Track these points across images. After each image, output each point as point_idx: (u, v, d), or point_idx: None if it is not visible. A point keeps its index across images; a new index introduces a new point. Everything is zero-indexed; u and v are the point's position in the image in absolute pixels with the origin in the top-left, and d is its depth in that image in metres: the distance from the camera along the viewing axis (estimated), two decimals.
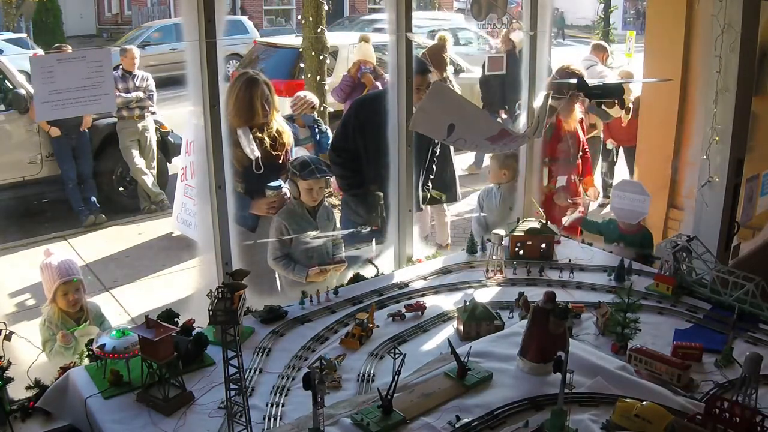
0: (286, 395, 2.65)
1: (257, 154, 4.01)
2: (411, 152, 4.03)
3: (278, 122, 4.27)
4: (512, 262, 3.87)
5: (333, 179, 4.94)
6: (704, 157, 4.31)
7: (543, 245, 3.96)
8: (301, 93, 6.77)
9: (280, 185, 4.09)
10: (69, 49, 8.14)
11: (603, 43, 9.37)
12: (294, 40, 10.86)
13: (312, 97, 6.48)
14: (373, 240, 4.24)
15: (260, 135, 4.11)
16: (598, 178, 6.22)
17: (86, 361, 2.87)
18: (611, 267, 3.77)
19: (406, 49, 3.82)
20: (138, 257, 7.21)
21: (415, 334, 3.16)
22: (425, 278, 3.75)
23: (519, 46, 7.10)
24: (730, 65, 4.10)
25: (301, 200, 3.96)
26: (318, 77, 8.73)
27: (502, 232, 3.83)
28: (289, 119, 5.69)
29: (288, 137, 4.31)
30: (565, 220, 4.82)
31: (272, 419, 2.51)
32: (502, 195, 4.98)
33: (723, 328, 3.08)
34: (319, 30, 8.62)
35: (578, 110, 5.35)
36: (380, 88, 6.94)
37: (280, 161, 4.21)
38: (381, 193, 4.27)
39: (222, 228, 3.33)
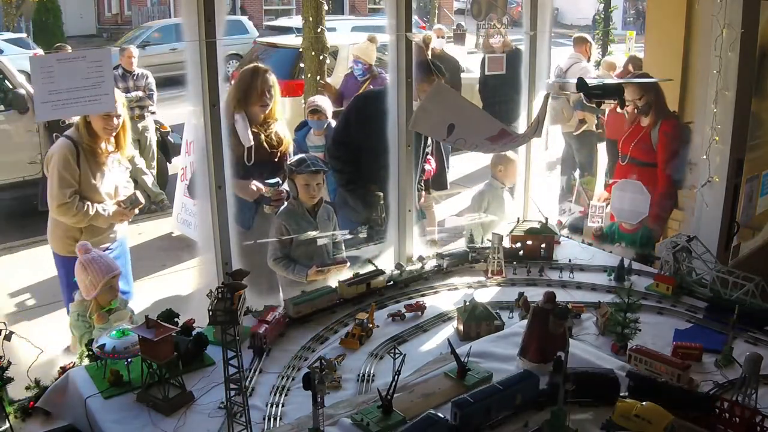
0: (286, 395, 2.66)
1: (251, 142, 4.05)
2: (411, 152, 4.03)
3: (280, 128, 4.32)
4: (512, 262, 3.87)
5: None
6: (704, 157, 4.31)
7: (543, 245, 3.96)
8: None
9: (277, 181, 4.10)
10: (69, 49, 8.14)
11: (583, 34, 9.35)
12: (294, 40, 10.86)
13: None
14: (372, 238, 4.25)
15: (256, 130, 4.14)
16: (600, 178, 6.17)
17: (86, 361, 2.87)
18: (611, 267, 3.77)
19: (406, 49, 3.82)
20: (138, 257, 7.18)
21: (415, 334, 3.16)
22: (425, 278, 3.74)
23: (500, 48, 7.09)
24: (730, 65, 4.10)
25: (301, 199, 3.96)
26: (318, 77, 8.72)
27: (502, 232, 3.83)
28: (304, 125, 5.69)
29: (287, 144, 4.36)
30: None
31: (272, 419, 2.51)
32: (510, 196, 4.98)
33: (723, 328, 3.08)
34: (319, 30, 8.61)
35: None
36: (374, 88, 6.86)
37: (276, 162, 4.23)
38: (381, 193, 4.27)
39: (222, 228, 3.33)
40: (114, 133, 4.13)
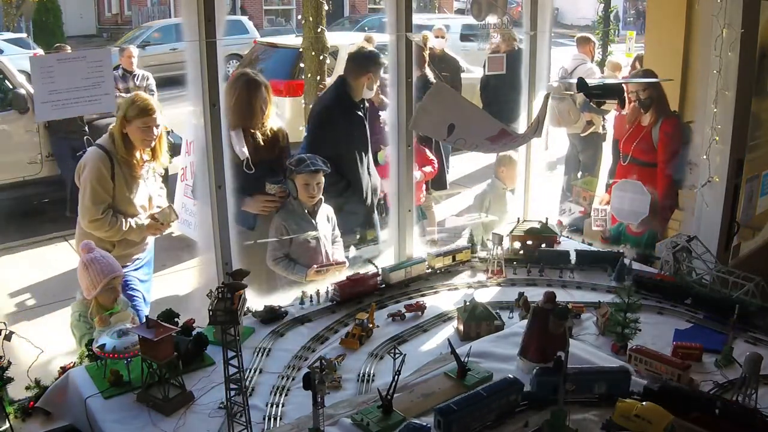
0: (286, 395, 2.65)
1: (246, 155, 3.96)
2: (411, 152, 4.03)
3: (274, 122, 4.21)
4: (512, 262, 3.87)
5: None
6: (704, 157, 4.31)
7: (543, 245, 3.96)
8: None
9: (281, 179, 4.07)
10: (68, 49, 8.16)
11: (586, 34, 9.33)
12: (294, 40, 10.86)
13: None
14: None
15: (253, 132, 4.06)
16: (602, 179, 6.19)
17: (86, 361, 2.87)
18: (611, 267, 3.77)
19: (406, 49, 3.82)
20: None
21: (415, 334, 3.16)
22: (426, 278, 3.74)
23: (504, 48, 7.13)
24: (730, 65, 4.10)
25: (300, 199, 3.96)
26: (318, 77, 8.72)
27: (502, 232, 3.84)
28: None
29: (283, 135, 4.24)
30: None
31: (272, 419, 2.51)
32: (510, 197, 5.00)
33: (723, 328, 3.07)
34: (319, 30, 8.61)
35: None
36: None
37: (276, 160, 4.16)
38: (385, 192, 4.28)
39: (222, 228, 3.33)
40: (153, 144, 3.95)
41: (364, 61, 4.59)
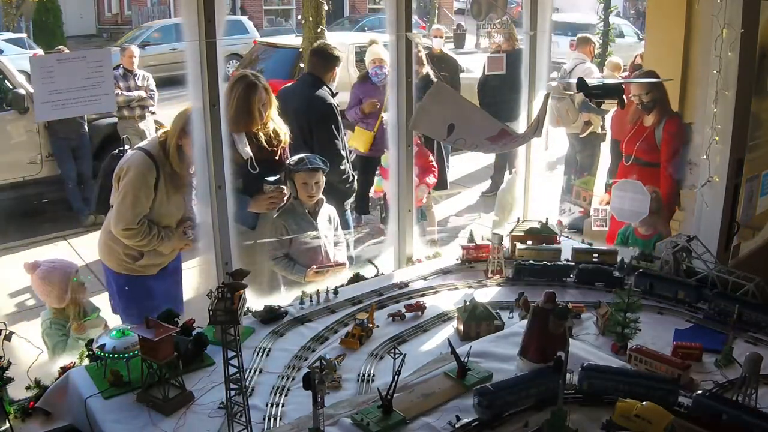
0: (286, 395, 2.65)
1: (250, 154, 3.93)
2: (411, 152, 4.03)
3: (274, 121, 4.17)
4: (512, 262, 3.87)
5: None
6: (704, 157, 4.30)
7: (543, 245, 3.96)
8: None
9: (278, 178, 4.06)
10: (65, 51, 8.17)
11: (586, 35, 9.33)
12: (294, 40, 10.87)
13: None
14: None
15: (255, 132, 4.04)
16: (601, 179, 6.19)
17: (86, 361, 2.87)
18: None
19: (406, 48, 3.82)
20: None
21: (415, 334, 3.16)
22: (425, 278, 3.74)
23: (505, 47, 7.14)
24: (730, 65, 4.10)
25: (300, 199, 3.96)
26: None
27: (502, 232, 3.84)
28: None
29: (284, 135, 4.22)
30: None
31: (272, 419, 2.51)
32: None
33: (723, 328, 3.07)
34: (319, 30, 8.62)
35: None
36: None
37: (277, 159, 4.14)
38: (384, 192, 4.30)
39: (222, 228, 3.33)
40: None
41: (332, 58, 5.36)
